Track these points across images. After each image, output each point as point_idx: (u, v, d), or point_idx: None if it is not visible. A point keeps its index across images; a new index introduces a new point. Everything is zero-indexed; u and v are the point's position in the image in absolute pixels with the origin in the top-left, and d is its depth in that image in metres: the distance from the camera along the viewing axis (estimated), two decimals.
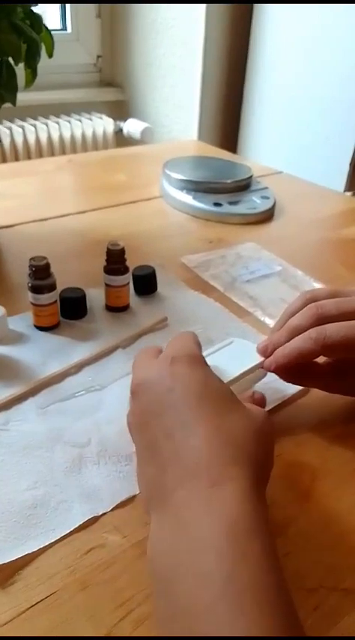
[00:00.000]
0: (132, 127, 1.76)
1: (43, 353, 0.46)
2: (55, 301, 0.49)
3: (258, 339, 0.49)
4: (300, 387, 0.43)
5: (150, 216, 0.79)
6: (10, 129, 1.58)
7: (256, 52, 1.52)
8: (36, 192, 0.86)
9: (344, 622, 0.28)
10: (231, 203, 0.79)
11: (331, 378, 0.40)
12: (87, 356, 0.46)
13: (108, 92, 1.89)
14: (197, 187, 0.81)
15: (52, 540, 0.31)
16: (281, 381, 0.40)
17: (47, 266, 0.48)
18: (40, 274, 0.47)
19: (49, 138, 1.64)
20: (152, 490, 0.29)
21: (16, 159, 1.61)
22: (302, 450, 0.38)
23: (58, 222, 0.75)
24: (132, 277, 0.54)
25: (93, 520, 0.32)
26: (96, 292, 0.54)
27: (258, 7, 1.47)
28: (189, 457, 0.27)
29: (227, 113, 1.71)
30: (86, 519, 0.32)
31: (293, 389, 0.43)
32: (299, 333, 0.37)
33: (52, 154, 1.66)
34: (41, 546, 0.30)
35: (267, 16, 1.45)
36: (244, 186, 0.84)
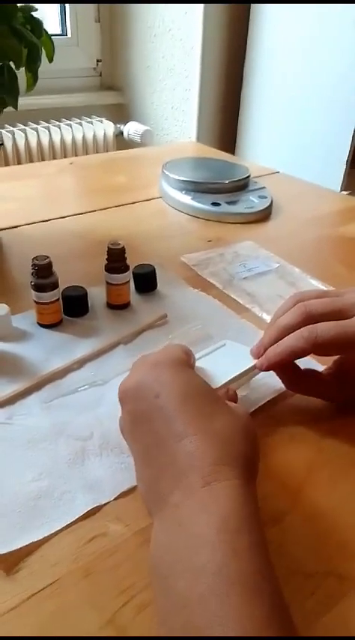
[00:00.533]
0: (132, 129, 1.77)
1: (46, 350, 0.47)
2: (58, 299, 0.50)
3: (256, 334, 0.50)
4: None
5: (150, 216, 0.80)
6: (12, 133, 1.60)
7: (253, 55, 1.53)
8: (38, 194, 0.87)
9: (340, 606, 0.29)
10: (229, 203, 0.79)
11: (334, 388, 0.41)
12: (89, 352, 0.47)
13: (109, 96, 1.91)
14: (195, 188, 0.82)
15: (56, 529, 0.32)
16: (275, 376, 0.41)
17: (49, 265, 0.49)
18: (43, 273, 0.48)
19: (51, 141, 1.65)
20: (150, 494, 0.30)
21: (19, 162, 1.62)
22: (297, 444, 0.39)
23: (60, 223, 0.76)
24: (132, 275, 0.55)
25: (96, 510, 0.33)
26: (97, 290, 0.55)
27: (256, 10, 1.48)
28: (181, 460, 0.28)
29: (225, 115, 1.72)
30: (89, 509, 0.33)
31: None
32: (288, 332, 0.38)
33: (54, 157, 1.67)
34: (45, 535, 0.31)
35: (265, 19, 1.47)
36: (242, 186, 0.85)
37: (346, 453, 0.39)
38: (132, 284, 0.55)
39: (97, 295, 0.55)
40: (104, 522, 0.32)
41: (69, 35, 1.79)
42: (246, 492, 0.27)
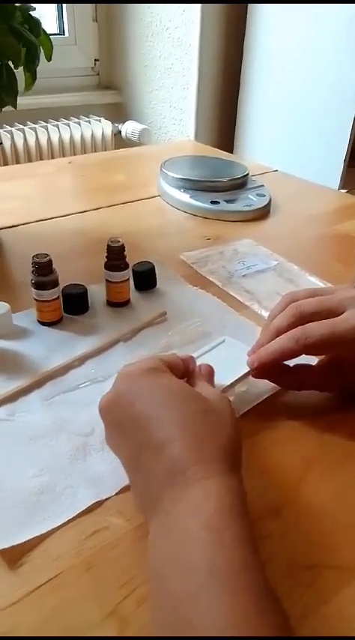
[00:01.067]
0: (130, 128, 1.77)
1: (46, 347, 0.48)
2: (58, 297, 0.50)
3: (255, 331, 0.50)
4: None
5: (149, 214, 0.80)
6: (10, 132, 1.60)
7: (251, 53, 1.54)
8: (37, 193, 0.88)
9: (339, 597, 0.29)
10: (227, 201, 0.80)
11: (328, 379, 0.42)
12: (89, 349, 0.47)
13: (107, 95, 1.91)
14: (194, 186, 0.82)
15: (59, 524, 0.32)
16: None
17: (50, 263, 0.49)
18: (43, 271, 0.48)
19: (49, 140, 1.65)
20: (142, 501, 0.31)
21: (17, 161, 1.62)
22: (296, 438, 0.40)
23: (59, 222, 0.76)
24: (132, 273, 0.55)
25: (98, 504, 0.33)
26: (97, 288, 0.55)
27: (253, 9, 1.48)
28: (164, 465, 0.29)
29: (223, 113, 1.73)
30: (91, 504, 0.33)
31: None
32: (279, 332, 0.39)
33: (53, 156, 1.68)
34: (48, 529, 0.32)
35: (262, 18, 1.47)
36: (240, 184, 0.85)
37: (344, 447, 0.39)
38: (131, 282, 0.55)
39: (97, 293, 0.55)
40: (105, 517, 0.33)
41: (67, 35, 1.79)
42: (229, 485, 0.28)
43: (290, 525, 0.33)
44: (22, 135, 1.60)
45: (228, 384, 0.40)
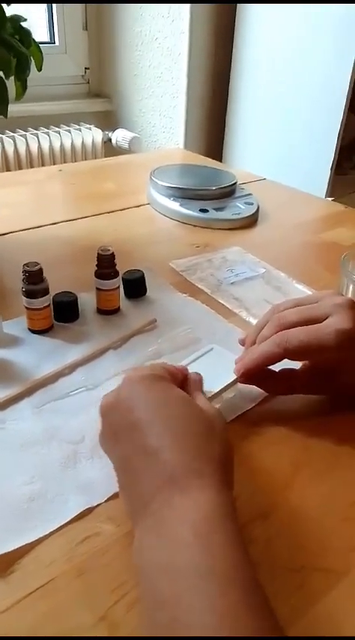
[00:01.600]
0: (120, 136, 1.79)
1: (37, 355, 0.48)
2: (48, 305, 0.51)
3: None
4: None
5: (139, 222, 0.81)
6: (1, 139, 1.60)
7: (239, 62, 1.56)
8: (28, 201, 0.88)
9: (327, 599, 0.30)
10: (216, 209, 0.81)
11: (312, 382, 0.43)
12: (80, 357, 0.47)
13: (97, 103, 1.92)
14: (183, 194, 0.83)
15: (49, 531, 0.32)
16: None
17: (40, 271, 0.49)
18: (34, 279, 0.49)
19: (40, 148, 1.66)
20: (130, 502, 0.31)
21: (8, 169, 1.62)
22: (283, 443, 0.40)
23: (49, 229, 0.76)
24: (122, 281, 0.56)
25: (88, 511, 0.34)
26: (87, 296, 0.56)
27: (241, 18, 1.50)
28: (157, 470, 0.30)
29: (212, 122, 1.74)
30: (81, 510, 0.34)
31: None
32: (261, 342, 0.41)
33: (43, 164, 1.68)
34: (39, 537, 0.32)
35: (250, 28, 1.49)
36: (229, 192, 0.86)
37: (330, 451, 0.40)
38: (121, 289, 0.56)
39: (87, 301, 0.55)
40: (96, 523, 0.33)
41: (57, 43, 1.80)
42: (219, 494, 0.29)
43: (278, 529, 0.33)
44: (12, 142, 1.61)
45: (217, 391, 0.40)
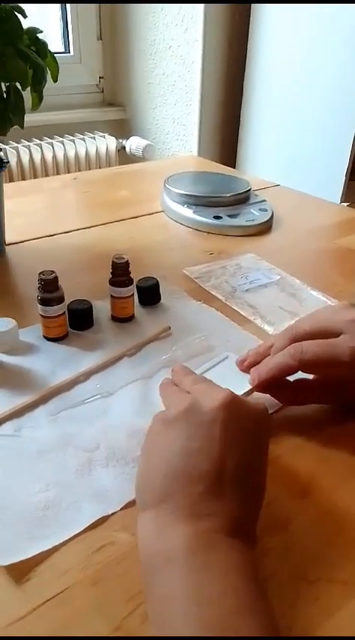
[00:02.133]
0: (134, 144, 1.80)
1: (52, 362, 0.48)
2: (64, 313, 0.51)
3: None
4: None
5: (153, 230, 0.81)
6: (16, 149, 1.62)
7: (252, 70, 1.56)
8: (43, 209, 0.89)
9: (343, 612, 0.29)
10: (230, 216, 0.81)
11: (323, 393, 0.43)
12: (94, 364, 0.48)
13: (111, 112, 1.94)
14: (197, 201, 0.84)
15: (65, 539, 0.32)
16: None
17: (55, 279, 0.50)
18: (49, 287, 0.49)
19: (55, 157, 1.68)
20: (147, 492, 0.31)
21: (23, 177, 1.64)
22: (301, 451, 0.40)
23: (64, 237, 0.77)
24: (136, 289, 0.56)
25: (103, 519, 0.34)
26: (102, 304, 0.56)
27: (254, 27, 1.51)
28: (189, 485, 0.30)
29: (225, 129, 1.75)
30: (96, 519, 0.34)
31: None
32: (276, 353, 0.41)
33: (58, 172, 1.70)
34: (54, 545, 0.32)
35: (263, 36, 1.49)
36: (243, 199, 0.86)
37: (346, 461, 0.39)
38: (136, 297, 0.56)
39: (102, 308, 0.56)
40: (111, 532, 0.33)
41: (72, 53, 1.83)
42: (233, 538, 0.29)
43: (294, 540, 0.33)
44: (27, 151, 1.63)
45: None
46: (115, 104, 1.96)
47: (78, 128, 1.81)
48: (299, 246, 0.77)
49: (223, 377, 0.41)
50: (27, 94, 0.61)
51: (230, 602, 0.25)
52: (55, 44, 1.80)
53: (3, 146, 1.59)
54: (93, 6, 1.80)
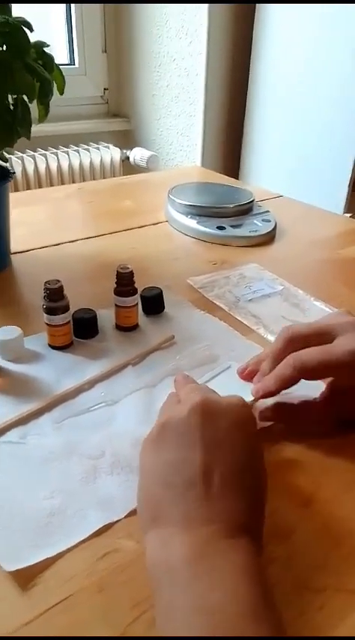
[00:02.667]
0: (138, 155, 1.82)
1: (57, 371, 0.49)
2: (69, 322, 0.52)
3: None
4: None
5: (157, 240, 0.82)
6: (22, 159, 1.64)
7: (255, 82, 1.58)
8: (48, 218, 0.90)
9: (349, 620, 0.29)
10: (233, 226, 0.82)
11: (327, 413, 0.43)
12: (99, 373, 0.48)
13: (115, 123, 1.96)
14: (201, 212, 0.84)
15: (70, 546, 0.33)
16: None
17: (61, 289, 0.50)
18: (54, 296, 0.50)
19: (59, 167, 1.70)
20: (145, 513, 0.32)
21: (28, 187, 1.66)
22: (303, 460, 0.40)
23: (69, 247, 0.78)
24: (140, 298, 0.57)
25: (108, 527, 0.34)
26: (106, 313, 0.56)
27: (257, 40, 1.53)
28: (179, 496, 0.30)
29: (228, 140, 1.77)
30: (101, 526, 0.34)
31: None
32: (274, 355, 0.41)
33: (63, 182, 1.71)
34: (59, 551, 0.32)
35: (266, 49, 1.51)
36: (246, 210, 0.87)
37: (349, 470, 0.40)
38: (140, 306, 0.57)
39: (106, 317, 0.56)
40: (116, 539, 0.33)
41: (77, 65, 1.85)
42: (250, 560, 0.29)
43: (298, 549, 0.33)
44: (32, 161, 1.64)
45: None
46: (120, 115, 1.99)
47: (83, 139, 1.83)
48: (303, 257, 0.78)
49: (226, 386, 0.41)
50: (33, 106, 0.62)
51: (232, 609, 0.25)
52: (60, 56, 1.83)
53: (9, 156, 1.61)
54: (99, 19, 1.83)
